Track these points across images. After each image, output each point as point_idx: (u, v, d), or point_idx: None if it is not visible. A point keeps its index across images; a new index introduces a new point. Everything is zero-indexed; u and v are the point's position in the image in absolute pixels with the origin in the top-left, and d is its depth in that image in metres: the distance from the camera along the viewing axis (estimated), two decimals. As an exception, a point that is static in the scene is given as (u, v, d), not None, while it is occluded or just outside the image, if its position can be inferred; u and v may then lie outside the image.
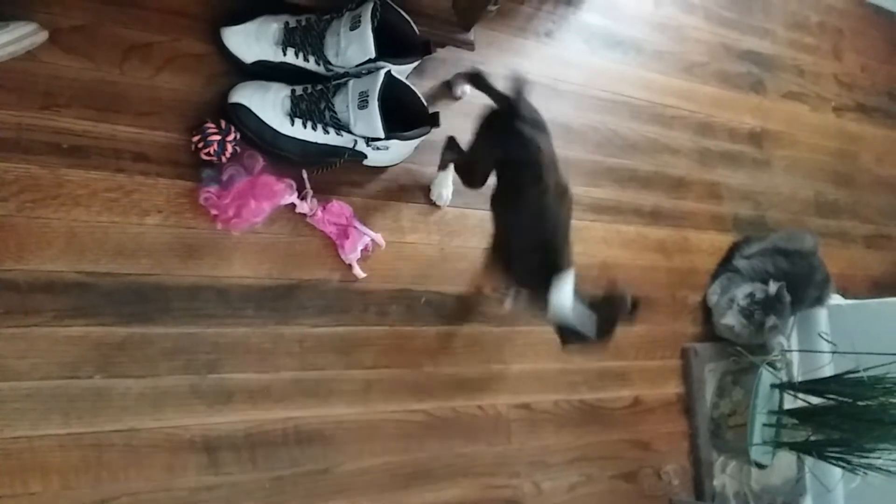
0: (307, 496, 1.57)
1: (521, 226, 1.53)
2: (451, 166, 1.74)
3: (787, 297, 2.18)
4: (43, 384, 1.33)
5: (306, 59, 1.56)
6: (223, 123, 1.48)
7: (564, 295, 1.52)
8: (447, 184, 1.81)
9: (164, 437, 1.43)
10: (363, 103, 1.50)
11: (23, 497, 1.30)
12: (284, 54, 1.55)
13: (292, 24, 1.55)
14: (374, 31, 1.51)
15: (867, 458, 1.95)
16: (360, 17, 1.51)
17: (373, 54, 1.52)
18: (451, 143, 1.70)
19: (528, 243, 1.53)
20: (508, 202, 1.54)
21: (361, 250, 1.67)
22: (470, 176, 1.66)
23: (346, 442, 1.64)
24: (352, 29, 1.51)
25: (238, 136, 1.49)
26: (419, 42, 1.64)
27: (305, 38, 1.54)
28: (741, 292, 2.22)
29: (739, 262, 2.34)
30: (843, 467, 2.01)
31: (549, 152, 1.49)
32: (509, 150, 1.49)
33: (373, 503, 1.65)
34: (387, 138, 1.54)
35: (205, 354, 1.49)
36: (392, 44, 1.58)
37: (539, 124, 1.51)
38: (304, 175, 1.60)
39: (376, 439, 1.68)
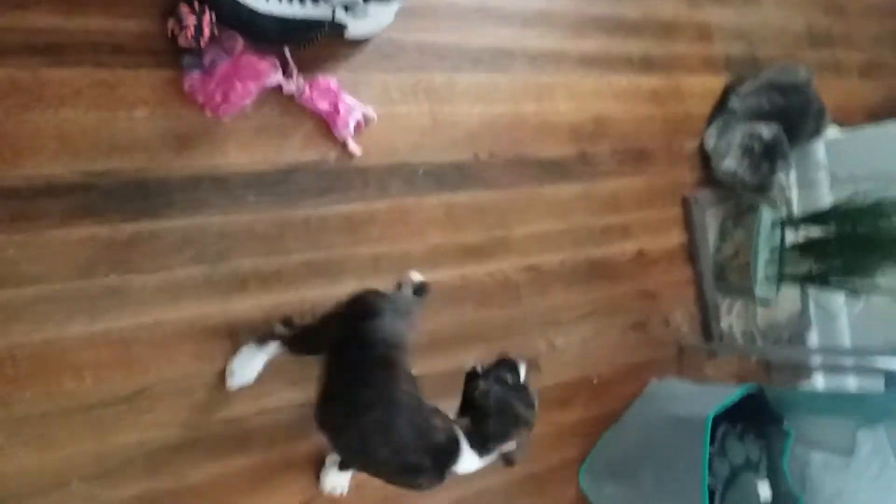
0: (331, 370, 1.62)
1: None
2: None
3: (784, 137, 2.18)
4: (62, 286, 1.34)
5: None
6: (197, 5, 1.42)
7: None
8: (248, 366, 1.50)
9: (187, 327, 1.46)
10: (339, -31, 1.44)
11: (59, 395, 1.34)
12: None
13: None
14: None
15: (869, 280, 2.00)
16: None
17: None
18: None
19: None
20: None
21: (354, 126, 1.65)
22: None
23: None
24: None
25: (214, 17, 1.44)
26: None
27: None
28: (737, 142, 2.21)
29: (734, 103, 2.31)
30: (846, 292, 2.06)
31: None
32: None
33: (395, 371, 1.71)
34: (365, 2, 1.49)
35: (213, 244, 1.50)
36: None
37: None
38: (287, 53, 1.56)
39: (391, 311, 1.71)
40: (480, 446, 1.29)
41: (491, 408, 1.31)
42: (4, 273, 1.30)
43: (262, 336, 1.49)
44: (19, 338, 1.31)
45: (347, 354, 1.28)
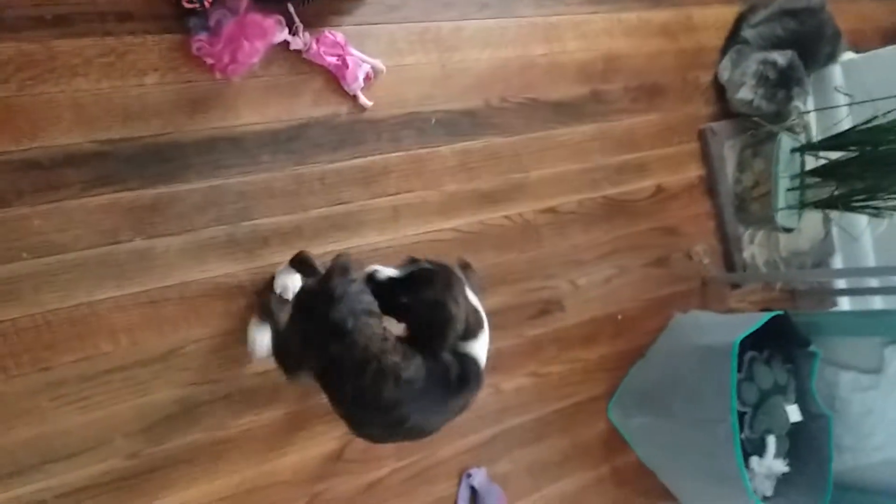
0: (358, 322, 1.65)
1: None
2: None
3: (800, 63, 2.14)
4: (88, 253, 1.38)
5: None
6: (199, -33, 1.43)
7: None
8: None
9: (213, 286, 1.50)
10: (336, -81, 1.43)
11: (97, 357, 1.39)
12: None
13: None
14: None
15: (892, 199, 1.98)
16: None
17: None
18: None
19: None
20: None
21: (363, 79, 1.65)
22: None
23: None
24: None
25: (216, -22, 1.45)
26: None
27: None
28: (752, 71, 2.17)
29: (747, 32, 2.28)
30: (869, 213, 2.05)
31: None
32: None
33: (421, 320, 1.73)
34: (367, -47, 1.49)
35: (233, 204, 1.53)
36: None
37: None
38: (291, 9, 1.56)
39: (413, 261, 1.74)
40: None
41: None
42: (33, 243, 1.34)
43: (261, 312, 1.47)
44: (53, 304, 1.35)
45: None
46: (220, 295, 1.51)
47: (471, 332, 1.30)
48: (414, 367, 1.20)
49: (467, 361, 1.28)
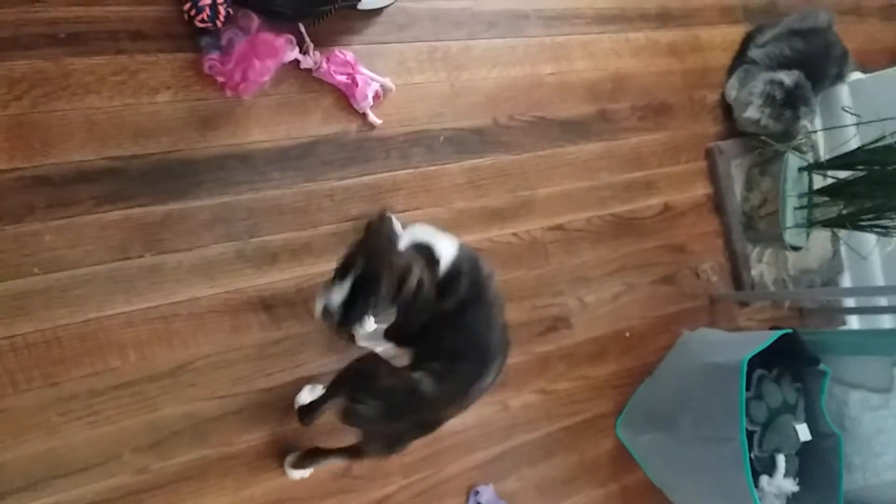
0: (366, 338, 1.66)
1: None
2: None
3: (807, 82, 2.15)
4: (98, 269, 1.39)
5: None
6: (211, -14, 1.45)
7: None
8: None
9: (222, 302, 1.50)
10: (346, -61, 1.45)
11: (106, 373, 1.39)
12: None
13: None
14: None
15: (900, 219, 1.98)
16: None
17: None
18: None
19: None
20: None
21: (373, 97, 1.67)
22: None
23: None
24: None
25: (228, -2, 1.47)
26: None
27: None
28: (759, 91, 2.18)
29: (754, 53, 2.29)
30: (877, 233, 2.04)
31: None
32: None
33: (428, 336, 1.74)
34: (377, -27, 1.51)
35: (242, 221, 1.54)
36: None
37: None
38: (302, 29, 1.58)
39: (421, 278, 1.74)
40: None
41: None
42: (44, 258, 1.35)
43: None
44: (63, 319, 1.36)
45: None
46: (229, 311, 1.51)
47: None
48: None
49: None
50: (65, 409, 1.35)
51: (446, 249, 1.36)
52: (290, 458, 1.52)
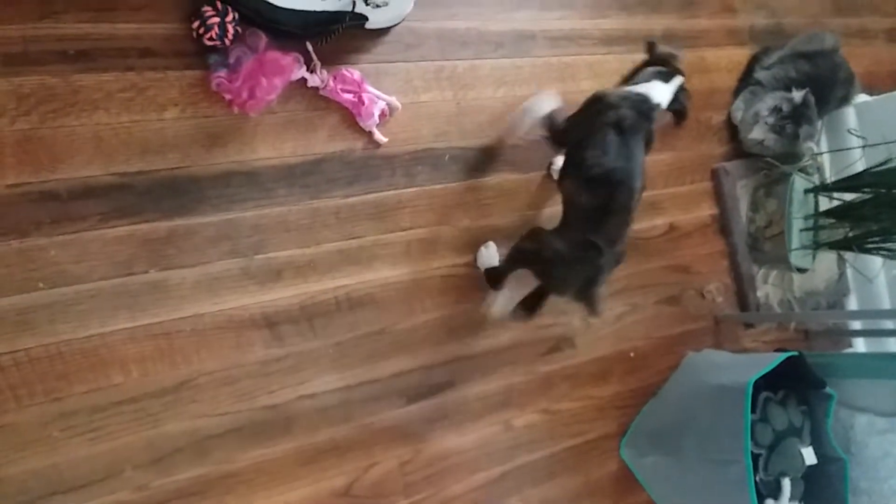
0: (369, 356, 1.66)
1: None
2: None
3: (813, 101, 2.15)
4: (103, 284, 1.40)
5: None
6: (219, 5, 1.46)
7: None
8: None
9: (226, 319, 1.50)
10: (355, -40, 1.47)
11: (108, 389, 1.39)
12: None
13: None
14: None
15: (907, 242, 1.97)
16: None
17: None
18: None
19: None
20: None
21: (379, 115, 1.67)
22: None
23: (397, 302, 1.70)
24: None
25: (237, 16, 1.48)
26: None
27: None
28: (766, 106, 2.18)
29: (760, 74, 2.29)
30: (884, 256, 2.03)
31: None
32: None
33: (433, 355, 1.74)
34: (384, -8, 1.52)
35: (247, 237, 1.54)
36: None
37: None
38: (309, 47, 1.59)
39: (425, 296, 1.74)
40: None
41: None
42: (49, 273, 1.35)
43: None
44: (67, 335, 1.36)
45: None
46: (233, 327, 1.51)
47: None
48: None
49: None
50: (67, 424, 1.35)
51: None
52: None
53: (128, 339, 1.41)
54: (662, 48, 1.73)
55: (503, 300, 1.66)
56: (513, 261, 1.65)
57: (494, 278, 1.70)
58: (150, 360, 1.43)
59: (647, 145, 1.59)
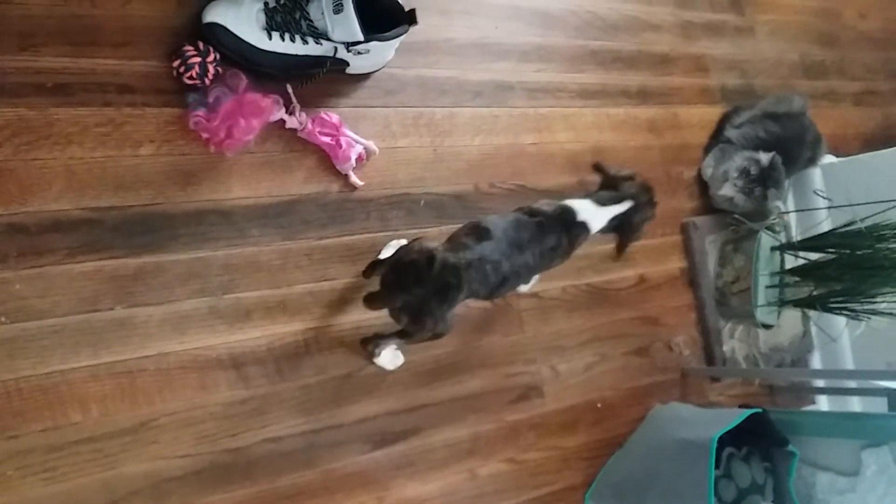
0: (335, 400, 1.64)
1: None
2: None
3: (782, 166, 2.20)
4: (67, 320, 1.37)
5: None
6: (201, 45, 1.47)
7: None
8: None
9: (191, 359, 1.48)
10: (338, 7, 1.49)
11: (66, 427, 1.36)
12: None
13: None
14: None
15: (869, 303, 2.01)
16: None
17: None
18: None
19: None
20: None
21: (356, 159, 1.68)
22: None
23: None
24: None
25: (218, 57, 1.49)
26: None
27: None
28: (735, 165, 2.23)
29: (731, 133, 2.35)
30: (847, 316, 2.07)
31: None
32: None
33: (400, 401, 1.72)
34: (366, 41, 1.54)
35: (217, 276, 1.53)
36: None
37: None
38: (290, 89, 1.60)
39: (394, 341, 1.73)
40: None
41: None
42: (12, 307, 1.33)
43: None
44: (26, 371, 1.33)
45: None
46: (197, 367, 1.49)
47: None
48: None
49: None
50: (21, 463, 1.31)
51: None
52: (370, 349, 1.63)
53: (89, 376, 1.38)
54: (612, 172, 1.75)
55: None
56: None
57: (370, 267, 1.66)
58: (110, 398, 1.40)
59: (553, 250, 1.58)
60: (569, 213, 1.59)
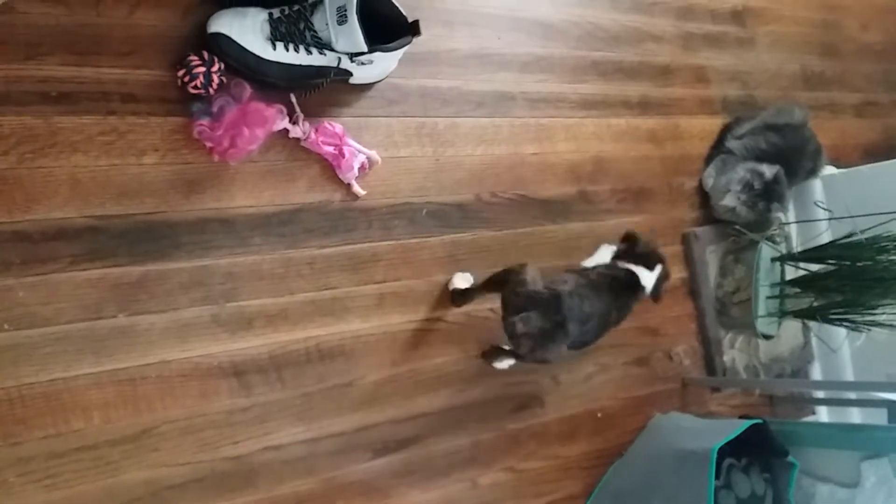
0: (336, 409, 1.64)
1: None
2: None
3: (784, 178, 2.21)
4: (70, 327, 1.37)
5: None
6: (206, 55, 1.48)
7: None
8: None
9: (193, 367, 1.49)
10: (342, 18, 1.49)
11: (68, 435, 1.36)
12: None
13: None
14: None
15: (869, 315, 2.01)
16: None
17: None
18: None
19: None
20: None
21: (359, 168, 1.69)
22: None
23: (366, 355, 1.70)
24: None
25: (222, 66, 1.50)
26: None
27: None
28: (737, 177, 2.24)
29: (732, 143, 2.35)
30: (847, 327, 2.08)
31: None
32: None
33: (400, 409, 1.73)
34: (370, 52, 1.55)
35: (220, 285, 1.53)
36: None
37: None
38: (293, 99, 1.61)
39: (395, 350, 1.74)
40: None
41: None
42: (15, 315, 1.33)
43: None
44: (28, 378, 1.33)
45: None
46: (199, 375, 1.49)
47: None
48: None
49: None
50: (23, 469, 1.31)
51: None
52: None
53: (91, 384, 1.39)
54: (643, 246, 1.86)
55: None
56: (487, 282, 1.76)
57: (460, 297, 1.81)
58: (112, 406, 1.40)
59: (620, 307, 1.74)
60: (634, 277, 1.76)
